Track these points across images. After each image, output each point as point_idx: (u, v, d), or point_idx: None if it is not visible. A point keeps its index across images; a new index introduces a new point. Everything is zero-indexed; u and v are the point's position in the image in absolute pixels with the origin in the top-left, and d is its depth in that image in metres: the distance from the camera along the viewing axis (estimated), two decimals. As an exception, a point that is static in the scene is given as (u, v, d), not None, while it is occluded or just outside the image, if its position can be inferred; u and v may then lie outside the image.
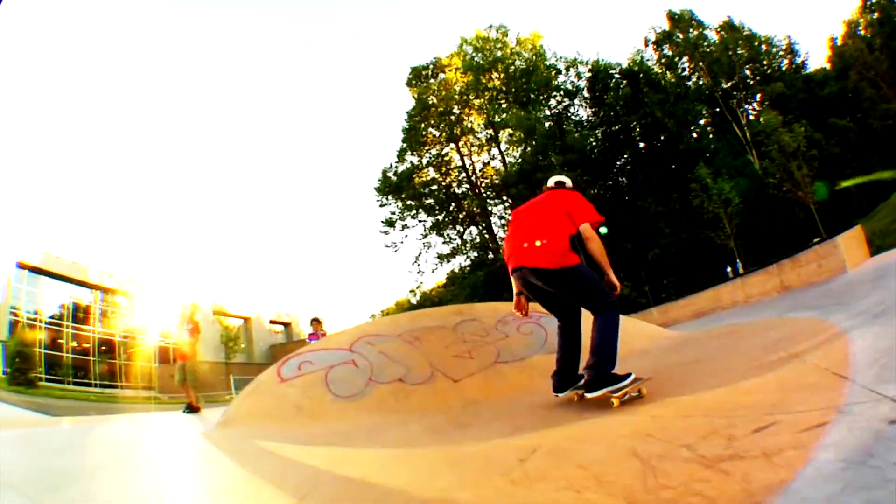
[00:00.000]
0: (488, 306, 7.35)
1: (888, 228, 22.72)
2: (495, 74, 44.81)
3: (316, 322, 11.26)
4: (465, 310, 6.96)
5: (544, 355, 5.50)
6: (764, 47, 40.63)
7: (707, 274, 30.91)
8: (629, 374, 3.29)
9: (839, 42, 39.73)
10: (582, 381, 3.54)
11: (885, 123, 31.88)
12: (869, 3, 37.29)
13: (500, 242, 43.38)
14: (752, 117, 38.09)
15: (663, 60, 41.96)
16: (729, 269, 27.44)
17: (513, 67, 44.84)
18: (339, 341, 6.26)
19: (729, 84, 39.51)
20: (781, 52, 41.03)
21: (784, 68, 40.32)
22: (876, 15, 36.58)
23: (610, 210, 34.58)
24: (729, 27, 40.99)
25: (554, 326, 4.02)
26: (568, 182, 4.23)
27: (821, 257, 14.25)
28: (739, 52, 39.77)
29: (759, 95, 38.76)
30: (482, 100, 44.36)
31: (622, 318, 3.75)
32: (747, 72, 39.69)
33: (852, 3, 44.01)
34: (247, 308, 43.75)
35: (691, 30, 41.02)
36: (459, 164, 45.75)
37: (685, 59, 41.14)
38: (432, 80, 45.89)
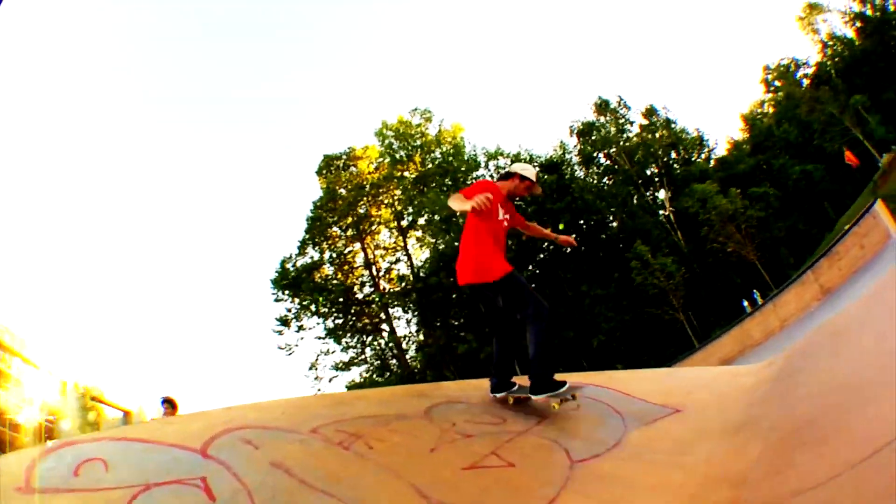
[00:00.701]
0: (463, 384, 4.87)
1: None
2: (412, 166, 43.48)
3: (169, 406, 7.62)
4: (428, 390, 4.41)
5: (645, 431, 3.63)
6: (681, 136, 44.36)
7: (655, 354, 30.67)
8: (566, 381, 3.70)
9: (740, 131, 48.11)
10: (519, 387, 3.93)
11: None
12: (772, 87, 45.34)
13: (405, 349, 41.55)
14: (670, 198, 40.48)
15: (588, 149, 43.16)
16: (746, 304, 26.77)
17: (429, 159, 43.89)
18: (182, 431, 2.82)
19: (651, 170, 41.87)
20: (693, 141, 45.17)
21: (693, 157, 44.66)
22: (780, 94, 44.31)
23: (545, 298, 32.74)
24: (651, 113, 43.92)
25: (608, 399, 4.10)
26: (518, 169, 4.21)
27: (861, 237, 14.12)
28: (661, 139, 42.66)
29: (680, 176, 41.58)
30: (393, 196, 42.63)
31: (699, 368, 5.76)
32: (671, 155, 43.03)
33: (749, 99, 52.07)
34: (129, 400, 36.60)
35: (617, 117, 43.67)
36: (363, 263, 42.91)
37: (609, 148, 42.98)
38: (343, 171, 43.74)
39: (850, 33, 52.27)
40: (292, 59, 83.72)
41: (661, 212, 40.21)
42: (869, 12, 50.93)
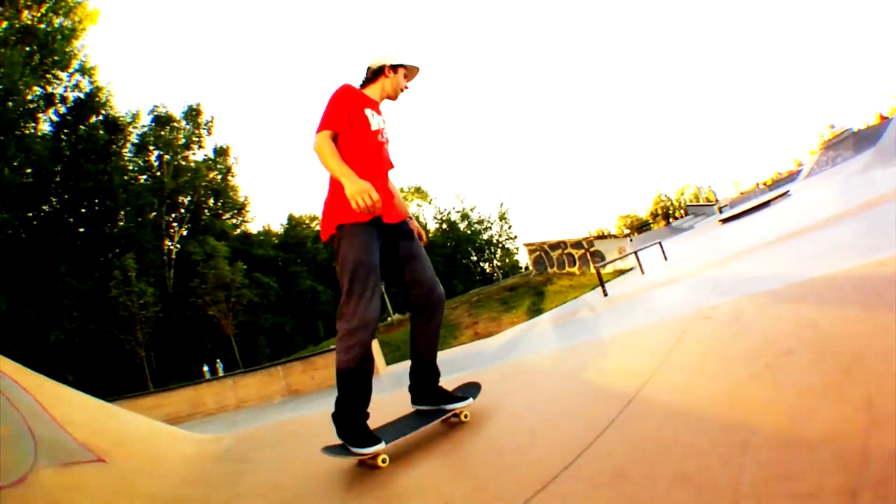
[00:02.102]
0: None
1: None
2: (25, 14, 32.96)
3: None
4: None
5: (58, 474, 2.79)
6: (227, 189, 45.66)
7: (108, 381, 29.13)
8: (378, 440, 2.53)
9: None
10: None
11: None
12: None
13: None
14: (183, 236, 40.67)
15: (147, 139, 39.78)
16: (207, 368, 25.93)
17: (47, 20, 33.79)
18: None
19: (183, 199, 41.35)
20: (238, 204, 47.34)
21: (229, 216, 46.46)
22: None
23: (20, 254, 29.95)
24: (221, 152, 44.30)
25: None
26: (384, 58, 2.98)
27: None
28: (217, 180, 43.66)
29: (203, 224, 42.31)
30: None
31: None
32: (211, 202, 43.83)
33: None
34: None
35: (188, 131, 42.09)
36: None
37: (167, 152, 40.62)
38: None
39: (433, 225, 67.67)
40: None
41: (168, 243, 39.25)
42: (463, 228, 67.52)
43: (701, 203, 56.39)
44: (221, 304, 32.72)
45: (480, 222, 70.57)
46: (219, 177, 43.89)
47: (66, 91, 34.93)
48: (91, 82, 35.74)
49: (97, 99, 35.93)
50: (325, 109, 2.72)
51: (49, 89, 33.94)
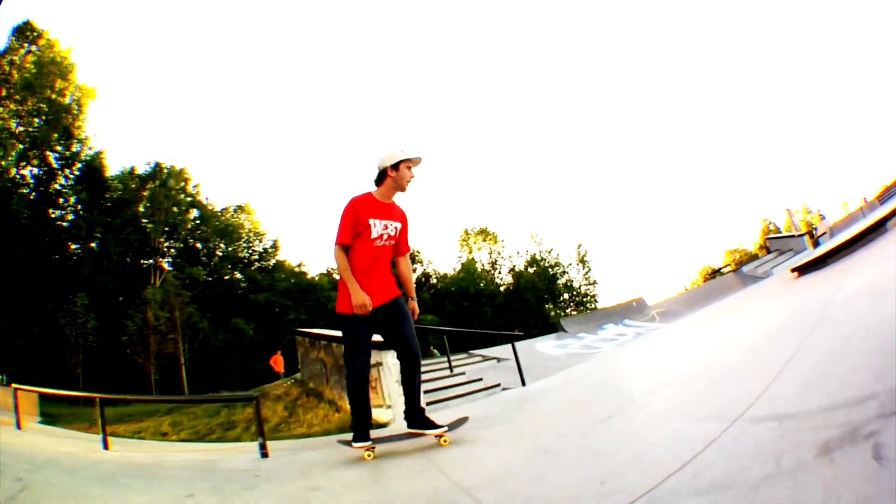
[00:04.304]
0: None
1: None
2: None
3: None
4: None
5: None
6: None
7: (46, 382, 29.56)
8: (366, 438, 3.70)
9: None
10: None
11: None
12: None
13: None
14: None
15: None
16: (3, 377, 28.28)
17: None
18: None
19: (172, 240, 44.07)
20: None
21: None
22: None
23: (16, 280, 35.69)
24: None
25: None
26: (386, 161, 3.77)
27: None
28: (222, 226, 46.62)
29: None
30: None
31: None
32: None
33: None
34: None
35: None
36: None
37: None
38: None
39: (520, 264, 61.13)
40: None
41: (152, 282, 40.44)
42: (528, 273, 60.06)
43: (783, 234, 36.39)
44: (145, 345, 35.68)
45: (556, 265, 62.29)
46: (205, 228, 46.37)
47: (70, 156, 40.71)
48: (89, 149, 41.44)
49: (94, 164, 41.46)
50: (338, 224, 3.66)
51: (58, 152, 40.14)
